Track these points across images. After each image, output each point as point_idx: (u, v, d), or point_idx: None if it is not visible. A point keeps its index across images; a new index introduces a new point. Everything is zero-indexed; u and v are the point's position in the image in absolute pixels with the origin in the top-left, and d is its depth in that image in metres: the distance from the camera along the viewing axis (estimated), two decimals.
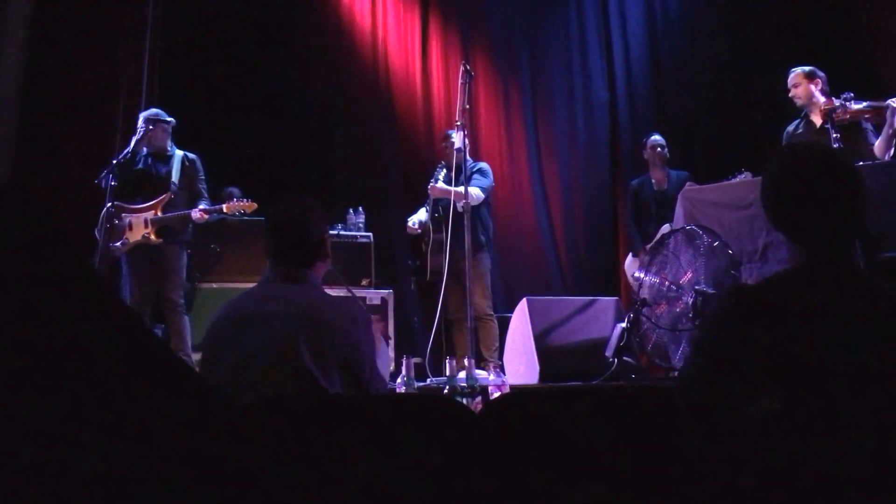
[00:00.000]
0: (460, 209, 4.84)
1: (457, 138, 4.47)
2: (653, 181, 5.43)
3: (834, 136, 3.76)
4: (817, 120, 4.39)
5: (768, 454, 1.32)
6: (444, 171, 5.03)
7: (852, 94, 3.96)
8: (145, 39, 5.36)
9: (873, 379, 1.28)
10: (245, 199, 4.65)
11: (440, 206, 4.85)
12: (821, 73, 4.42)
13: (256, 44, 5.83)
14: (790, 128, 4.58)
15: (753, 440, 1.34)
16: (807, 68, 4.42)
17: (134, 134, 4.62)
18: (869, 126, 4.17)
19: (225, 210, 4.62)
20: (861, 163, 3.97)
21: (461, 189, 4.70)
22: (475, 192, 4.86)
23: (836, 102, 3.97)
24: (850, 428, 1.27)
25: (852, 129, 4.10)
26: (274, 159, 5.55)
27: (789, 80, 4.48)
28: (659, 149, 5.40)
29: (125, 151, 4.60)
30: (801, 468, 1.30)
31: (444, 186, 4.79)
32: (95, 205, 4.44)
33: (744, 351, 1.33)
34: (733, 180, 4.37)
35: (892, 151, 3.98)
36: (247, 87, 5.75)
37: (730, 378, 1.36)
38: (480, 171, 4.96)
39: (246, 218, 5.11)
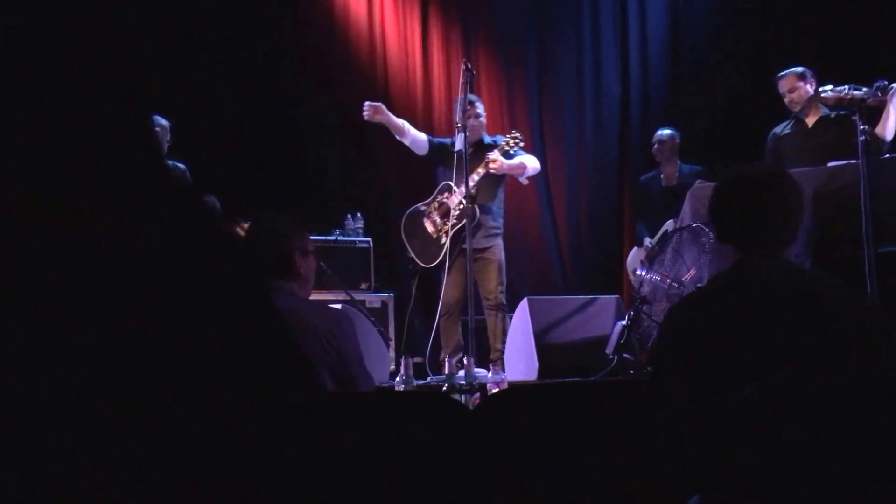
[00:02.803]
0: (524, 181, 4.90)
1: (458, 140, 4.58)
2: (661, 176, 5.56)
3: (862, 127, 3.78)
4: (810, 120, 4.53)
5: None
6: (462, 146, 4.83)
7: (886, 82, 4.03)
8: None
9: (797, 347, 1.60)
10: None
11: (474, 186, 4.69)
12: (812, 72, 4.55)
13: (246, 43, 5.91)
14: (777, 129, 4.70)
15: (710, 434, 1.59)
16: (798, 69, 4.57)
17: None
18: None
19: None
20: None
21: (521, 160, 4.73)
22: (535, 164, 4.85)
23: (829, 88, 4.08)
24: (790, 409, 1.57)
25: (845, 122, 4.21)
26: (267, 163, 5.66)
27: (782, 85, 4.61)
28: (669, 147, 5.54)
29: None
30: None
31: (507, 161, 4.69)
32: None
33: (693, 353, 1.65)
34: None
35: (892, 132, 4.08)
36: (237, 89, 5.85)
37: (686, 377, 1.65)
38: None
39: None
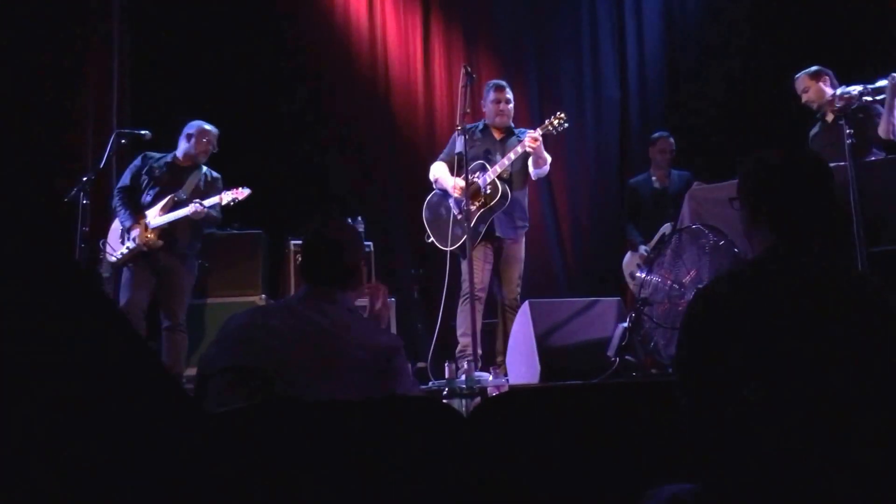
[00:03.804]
0: (534, 177, 4.81)
1: (458, 142, 4.58)
2: (653, 179, 5.63)
3: (848, 132, 3.85)
4: (830, 118, 4.56)
5: (749, 439, 1.50)
6: (478, 135, 4.72)
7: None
8: (113, 42, 5.41)
9: (830, 358, 1.50)
10: (240, 188, 4.71)
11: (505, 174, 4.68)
12: (827, 70, 4.59)
13: (245, 47, 5.95)
14: (811, 132, 4.75)
15: (737, 426, 1.52)
16: (812, 69, 4.62)
17: (109, 147, 4.71)
18: (880, 108, 4.30)
19: (220, 201, 4.70)
20: (874, 158, 4.13)
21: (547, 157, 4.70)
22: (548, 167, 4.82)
23: (837, 91, 4.11)
24: (810, 408, 1.48)
25: (864, 118, 4.23)
26: (268, 168, 5.67)
27: (797, 85, 4.69)
28: (670, 151, 5.63)
29: (150, 158, 4.74)
30: (771, 453, 1.48)
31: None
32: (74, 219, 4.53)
33: (716, 345, 1.57)
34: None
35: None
36: (236, 93, 5.88)
37: (709, 370, 1.58)
38: None
39: (235, 232, 5.25)
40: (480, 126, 4.95)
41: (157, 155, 4.82)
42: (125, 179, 4.75)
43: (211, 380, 2.07)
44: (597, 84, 6.94)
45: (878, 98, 4.15)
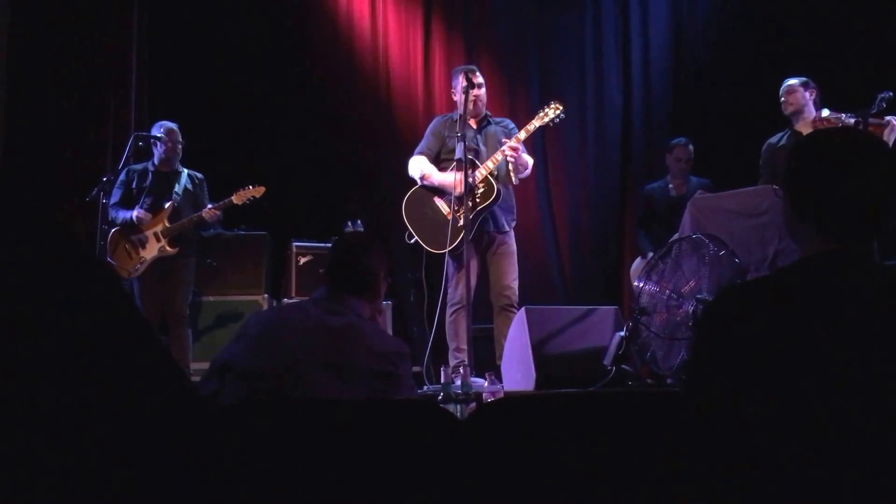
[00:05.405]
0: (515, 182, 4.63)
1: (458, 149, 4.56)
2: (670, 186, 5.56)
3: None
4: (803, 130, 4.52)
5: (765, 456, 1.34)
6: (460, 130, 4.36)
7: (891, 93, 4.06)
8: (131, 47, 5.55)
9: (875, 381, 1.29)
10: (251, 185, 4.81)
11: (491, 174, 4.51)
12: (814, 85, 4.58)
13: (249, 51, 5.99)
14: (772, 140, 4.71)
15: (752, 442, 1.35)
16: (802, 78, 4.59)
17: (124, 149, 4.87)
18: None
19: (234, 200, 4.80)
20: None
21: (528, 158, 4.56)
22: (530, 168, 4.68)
23: (826, 114, 4.11)
24: (850, 428, 1.29)
25: None
26: (269, 170, 5.68)
27: (783, 88, 4.68)
28: (686, 160, 5.56)
29: (125, 166, 4.83)
30: (794, 473, 1.32)
31: (523, 156, 4.50)
32: (87, 223, 4.77)
33: (736, 353, 1.36)
34: (750, 187, 4.51)
35: None
36: (240, 96, 5.92)
37: (725, 380, 1.38)
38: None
39: (242, 233, 5.32)
40: (456, 117, 4.69)
41: (138, 167, 4.92)
42: (116, 196, 4.84)
43: (228, 375, 2.16)
44: (599, 88, 6.87)
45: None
